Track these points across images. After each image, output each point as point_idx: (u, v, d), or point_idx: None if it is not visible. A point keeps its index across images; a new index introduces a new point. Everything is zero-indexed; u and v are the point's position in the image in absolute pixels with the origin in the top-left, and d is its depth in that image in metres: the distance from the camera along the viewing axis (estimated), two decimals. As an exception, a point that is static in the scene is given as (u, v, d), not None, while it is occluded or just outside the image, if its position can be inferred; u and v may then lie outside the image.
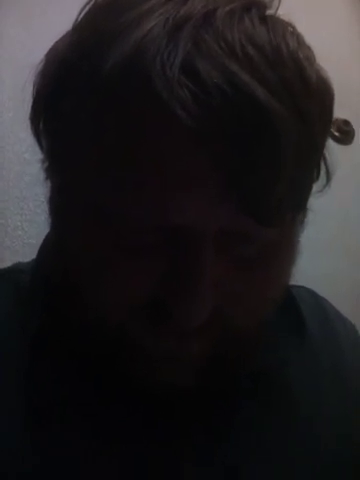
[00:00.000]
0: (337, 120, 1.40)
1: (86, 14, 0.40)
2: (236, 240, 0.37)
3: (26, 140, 1.07)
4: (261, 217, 0.35)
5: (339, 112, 1.48)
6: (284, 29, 0.37)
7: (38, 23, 1.09)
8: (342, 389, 0.52)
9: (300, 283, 0.59)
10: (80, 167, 0.38)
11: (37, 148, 0.43)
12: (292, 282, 0.44)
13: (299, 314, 0.50)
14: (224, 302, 0.38)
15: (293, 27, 0.39)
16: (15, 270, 0.51)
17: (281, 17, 0.39)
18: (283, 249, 0.40)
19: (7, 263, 0.55)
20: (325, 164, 0.41)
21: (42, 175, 0.43)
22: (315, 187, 0.41)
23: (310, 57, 0.38)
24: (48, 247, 0.47)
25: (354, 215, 1.39)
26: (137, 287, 0.37)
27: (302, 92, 0.35)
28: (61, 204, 0.41)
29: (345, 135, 1.41)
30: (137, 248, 0.36)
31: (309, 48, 0.39)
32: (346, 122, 1.42)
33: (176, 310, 0.36)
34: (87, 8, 0.39)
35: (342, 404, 0.51)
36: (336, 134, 1.40)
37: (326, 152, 0.40)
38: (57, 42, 0.41)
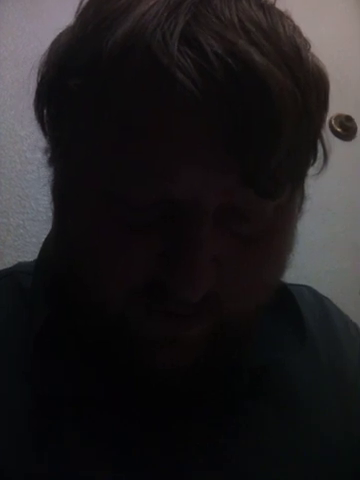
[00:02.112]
0: (340, 116, 1.40)
1: (87, 2, 0.40)
2: (235, 217, 0.37)
3: (27, 139, 1.07)
4: (260, 187, 0.35)
5: (342, 108, 1.48)
6: (281, 16, 0.38)
7: (39, 21, 1.09)
8: (342, 386, 0.52)
9: (305, 280, 0.59)
10: (83, 148, 0.38)
11: (38, 147, 0.43)
12: (297, 278, 0.44)
13: (299, 313, 0.50)
14: (221, 283, 0.38)
15: (290, 17, 0.39)
16: (17, 271, 0.52)
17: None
18: (280, 232, 0.40)
19: (9, 261, 0.55)
20: (322, 145, 0.41)
21: (43, 173, 0.43)
22: (313, 170, 0.42)
23: (305, 44, 0.38)
24: (50, 247, 0.47)
25: (359, 211, 1.38)
26: (137, 266, 0.37)
27: (299, 65, 0.36)
28: (64, 190, 0.42)
29: (348, 131, 1.41)
30: (137, 227, 0.37)
31: (305, 39, 0.39)
32: (348, 118, 1.41)
33: (176, 284, 0.36)
34: None
35: (342, 401, 0.51)
36: (339, 130, 1.39)
37: (323, 133, 0.41)
38: (60, 33, 0.41)
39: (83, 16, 0.39)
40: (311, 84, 0.37)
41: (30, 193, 1.11)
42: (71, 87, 0.37)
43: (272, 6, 0.38)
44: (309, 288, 0.60)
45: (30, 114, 0.43)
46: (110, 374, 0.41)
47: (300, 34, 0.39)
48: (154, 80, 0.34)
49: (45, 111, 0.42)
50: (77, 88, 0.37)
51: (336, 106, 1.50)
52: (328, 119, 1.41)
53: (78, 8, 0.40)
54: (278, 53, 0.35)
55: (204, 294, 0.36)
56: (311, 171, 0.42)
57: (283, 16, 0.38)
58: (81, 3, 0.40)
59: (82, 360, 0.42)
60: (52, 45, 0.41)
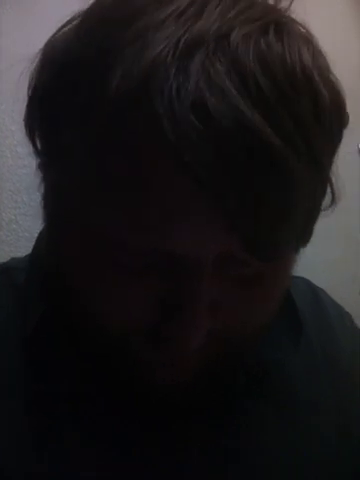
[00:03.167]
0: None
1: (89, 10, 0.37)
2: (234, 264, 0.36)
3: (19, 133, 1.07)
4: (262, 254, 0.34)
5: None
6: (299, 45, 0.35)
7: (35, 17, 1.08)
8: (339, 379, 0.52)
9: (302, 271, 0.59)
10: (78, 185, 0.36)
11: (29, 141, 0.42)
12: (295, 269, 0.44)
13: (294, 306, 0.50)
14: (221, 321, 0.37)
15: (309, 37, 0.37)
16: (10, 267, 0.51)
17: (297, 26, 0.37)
18: (281, 271, 0.39)
19: (2, 256, 0.55)
20: (331, 189, 0.39)
21: (35, 169, 0.42)
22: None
23: (324, 70, 0.36)
24: (43, 245, 0.46)
25: (353, 202, 1.38)
26: (135, 308, 0.37)
27: (316, 130, 0.33)
28: (56, 207, 0.40)
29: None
30: (135, 269, 0.36)
31: (324, 57, 0.37)
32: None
33: (173, 332, 0.36)
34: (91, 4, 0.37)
35: (339, 395, 0.51)
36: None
37: (332, 175, 0.39)
38: (54, 37, 0.38)
39: (83, 28, 0.36)
40: (327, 147, 0.35)
41: (22, 187, 1.10)
42: (66, 116, 0.35)
43: (292, 34, 0.35)
44: (303, 279, 0.60)
45: (21, 108, 0.42)
46: (108, 372, 0.41)
47: (318, 58, 0.36)
48: (158, 150, 0.31)
49: (36, 126, 0.39)
50: (73, 120, 0.35)
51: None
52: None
53: (77, 13, 0.37)
54: (294, 122, 0.32)
55: (203, 339, 0.36)
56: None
57: (302, 44, 0.35)
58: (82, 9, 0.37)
59: (79, 357, 0.42)
60: (45, 50, 0.38)
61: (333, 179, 0.39)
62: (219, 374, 0.41)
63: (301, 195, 0.33)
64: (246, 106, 0.31)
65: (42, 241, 0.47)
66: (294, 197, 0.33)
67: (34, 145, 0.40)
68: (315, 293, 0.58)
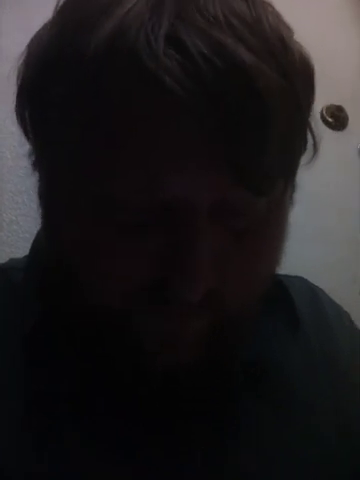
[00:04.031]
0: (331, 106, 1.40)
1: (66, 1, 0.39)
2: (229, 213, 0.37)
3: (18, 134, 1.06)
4: (252, 185, 0.35)
5: (333, 98, 1.47)
6: (264, 6, 0.37)
7: (35, 18, 1.08)
8: (337, 377, 0.52)
9: (298, 271, 0.59)
10: (69, 154, 0.37)
11: (29, 141, 0.43)
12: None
13: (292, 306, 0.50)
14: (221, 278, 0.38)
15: (271, 5, 0.39)
16: (8, 267, 0.51)
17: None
18: (274, 224, 0.40)
19: (2, 257, 0.55)
20: (312, 135, 0.41)
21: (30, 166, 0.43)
22: (303, 160, 0.41)
23: (289, 31, 0.38)
24: (41, 242, 0.47)
25: (353, 202, 1.39)
26: (138, 270, 0.37)
27: (285, 57, 0.35)
28: (52, 196, 0.41)
29: (339, 121, 1.41)
30: (133, 230, 0.36)
31: (289, 27, 0.39)
32: (339, 108, 1.41)
33: (177, 284, 0.36)
34: None
35: (337, 392, 0.51)
36: (330, 120, 1.40)
37: (312, 123, 0.40)
38: (39, 31, 0.40)
39: (62, 14, 0.39)
40: (298, 73, 0.36)
41: (23, 189, 1.10)
42: (53, 95, 0.37)
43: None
44: (301, 278, 0.60)
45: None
46: (108, 371, 0.41)
47: (283, 22, 0.38)
48: (141, 84, 0.33)
49: (27, 115, 0.41)
50: (60, 95, 0.36)
51: (327, 96, 1.50)
52: (319, 109, 1.42)
53: (56, 4, 0.39)
54: (264, 47, 0.34)
55: (205, 292, 0.36)
56: (302, 161, 0.42)
57: (265, 5, 0.38)
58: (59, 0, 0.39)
59: (78, 357, 0.42)
60: (31, 44, 0.40)
61: (315, 132, 0.41)
62: (218, 364, 0.41)
63: (278, 112, 0.34)
64: (218, 35, 0.33)
65: (40, 240, 0.48)
66: (271, 111, 0.33)
67: (27, 138, 0.41)
68: (313, 292, 0.58)
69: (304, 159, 0.42)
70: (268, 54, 0.34)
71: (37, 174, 0.42)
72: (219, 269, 0.37)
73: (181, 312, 0.38)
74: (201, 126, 0.33)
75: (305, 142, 0.40)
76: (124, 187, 0.35)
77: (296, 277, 0.59)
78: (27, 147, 0.43)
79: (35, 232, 0.50)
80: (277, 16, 0.38)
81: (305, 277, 0.61)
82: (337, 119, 1.41)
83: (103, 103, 0.35)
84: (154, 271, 0.37)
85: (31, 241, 0.50)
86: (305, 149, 0.41)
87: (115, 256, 0.37)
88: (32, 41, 0.40)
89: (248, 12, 0.35)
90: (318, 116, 1.37)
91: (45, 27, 0.40)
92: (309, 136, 0.40)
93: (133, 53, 0.33)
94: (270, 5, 0.38)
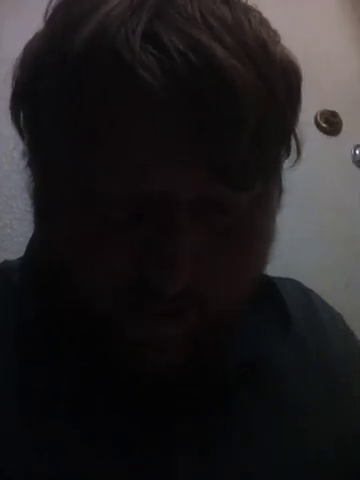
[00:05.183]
0: (325, 112, 1.41)
1: (56, 5, 0.40)
2: (211, 210, 0.37)
3: (13, 138, 1.06)
4: (229, 178, 0.35)
5: (327, 104, 1.48)
6: (246, 10, 0.38)
7: (23, 20, 1.09)
8: (329, 378, 0.52)
9: (291, 274, 0.59)
10: (58, 150, 0.38)
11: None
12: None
13: (284, 306, 0.51)
14: (202, 277, 0.38)
15: (258, 12, 0.39)
16: (3, 268, 0.51)
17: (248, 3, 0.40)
18: (258, 224, 0.40)
19: (-3, 261, 0.55)
20: (295, 137, 0.41)
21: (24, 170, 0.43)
22: (287, 163, 0.42)
23: (274, 36, 0.39)
24: (35, 243, 0.48)
25: (347, 206, 1.39)
26: (120, 264, 0.38)
27: (264, 58, 0.36)
28: (43, 194, 0.42)
29: (333, 126, 1.42)
30: (117, 223, 0.37)
31: (274, 31, 0.39)
32: (334, 113, 1.42)
33: (156, 274, 0.36)
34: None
35: (329, 393, 0.51)
36: (324, 125, 1.40)
37: (297, 130, 0.41)
38: (34, 36, 0.41)
39: (53, 18, 0.40)
40: (278, 76, 0.37)
41: (17, 193, 1.10)
42: (42, 90, 0.38)
43: (238, 1, 0.39)
44: (294, 280, 0.60)
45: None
46: (104, 369, 0.41)
47: (268, 27, 0.39)
48: (119, 79, 0.34)
49: (21, 114, 0.42)
50: (48, 90, 0.37)
51: (321, 102, 1.51)
52: (314, 115, 1.42)
53: (47, 10, 0.40)
54: (241, 47, 0.35)
55: (185, 286, 0.36)
56: (290, 164, 0.42)
57: (249, 10, 0.38)
58: (49, 5, 0.40)
59: (75, 355, 0.42)
60: (25, 48, 0.41)
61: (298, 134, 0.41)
62: (208, 364, 0.42)
63: (251, 108, 0.34)
64: (194, 32, 0.34)
65: (34, 241, 0.48)
66: (243, 107, 0.34)
67: (22, 138, 0.43)
68: (306, 295, 0.59)
69: (288, 162, 0.42)
70: (245, 54, 0.35)
71: (30, 174, 0.43)
72: (200, 266, 0.37)
73: (164, 311, 0.38)
74: (177, 121, 0.34)
75: (288, 144, 0.41)
76: (105, 180, 0.36)
77: (288, 279, 0.59)
78: (22, 151, 0.43)
79: (29, 236, 0.50)
80: (261, 21, 0.38)
81: (299, 279, 0.61)
82: (331, 124, 1.42)
83: (85, 99, 0.36)
84: (135, 265, 0.37)
85: (25, 245, 0.51)
86: (289, 152, 0.41)
87: (98, 249, 0.38)
88: (26, 45, 0.41)
89: (229, 15, 0.36)
90: (312, 121, 1.37)
91: (38, 32, 0.41)
92: (293, 140, 0.41)
93: (112, 49, 0.34)
94: (256, 11, 0.39)
